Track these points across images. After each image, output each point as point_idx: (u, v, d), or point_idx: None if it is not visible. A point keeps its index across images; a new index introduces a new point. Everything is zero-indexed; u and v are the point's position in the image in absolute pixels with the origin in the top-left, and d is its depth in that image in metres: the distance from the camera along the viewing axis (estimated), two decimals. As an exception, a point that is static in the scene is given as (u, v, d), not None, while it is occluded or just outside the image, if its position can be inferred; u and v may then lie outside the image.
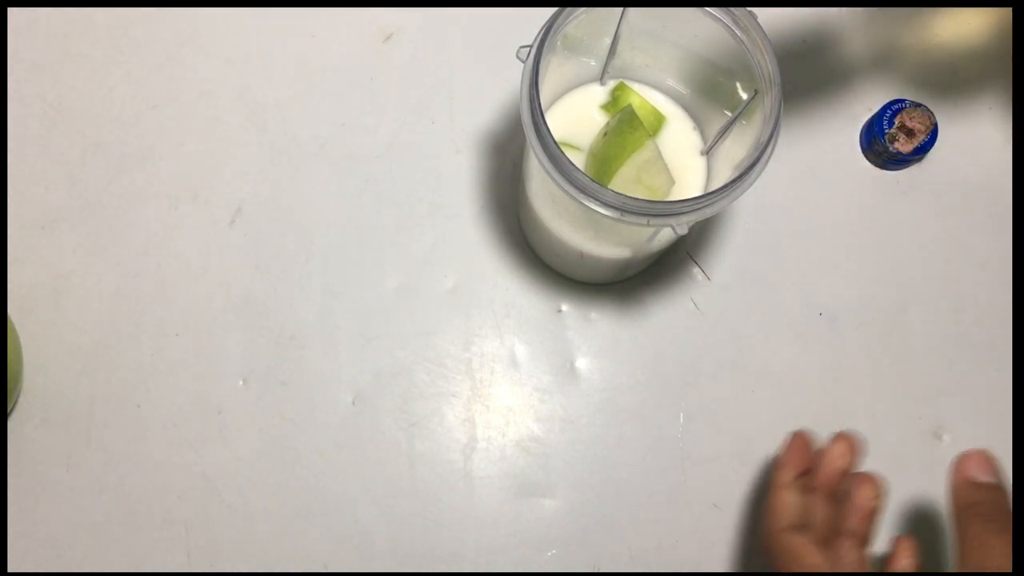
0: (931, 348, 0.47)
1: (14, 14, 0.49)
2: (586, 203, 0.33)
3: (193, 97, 0.48)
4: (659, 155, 0.39)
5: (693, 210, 0.33)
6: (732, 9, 0.35)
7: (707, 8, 0.35)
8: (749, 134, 0.36)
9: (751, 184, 0.33)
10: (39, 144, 0.48)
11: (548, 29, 0.34)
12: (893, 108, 0.47)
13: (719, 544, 0.44)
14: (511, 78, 0.48)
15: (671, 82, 0.41)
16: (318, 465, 0.44)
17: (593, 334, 0.46)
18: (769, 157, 0.34)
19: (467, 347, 0.46)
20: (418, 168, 0.48)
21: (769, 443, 0.45)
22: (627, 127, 0.38)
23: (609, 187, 0.33)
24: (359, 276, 0.46)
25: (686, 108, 0.42)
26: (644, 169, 0.38)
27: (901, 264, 0.47)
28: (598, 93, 0.42)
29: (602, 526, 0.44)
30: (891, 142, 0.46)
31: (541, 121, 0.33)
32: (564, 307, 0.46)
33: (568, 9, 0.35)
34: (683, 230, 0.33)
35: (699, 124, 0.42)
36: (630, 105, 0.40)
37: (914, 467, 0.45)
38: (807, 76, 0.49)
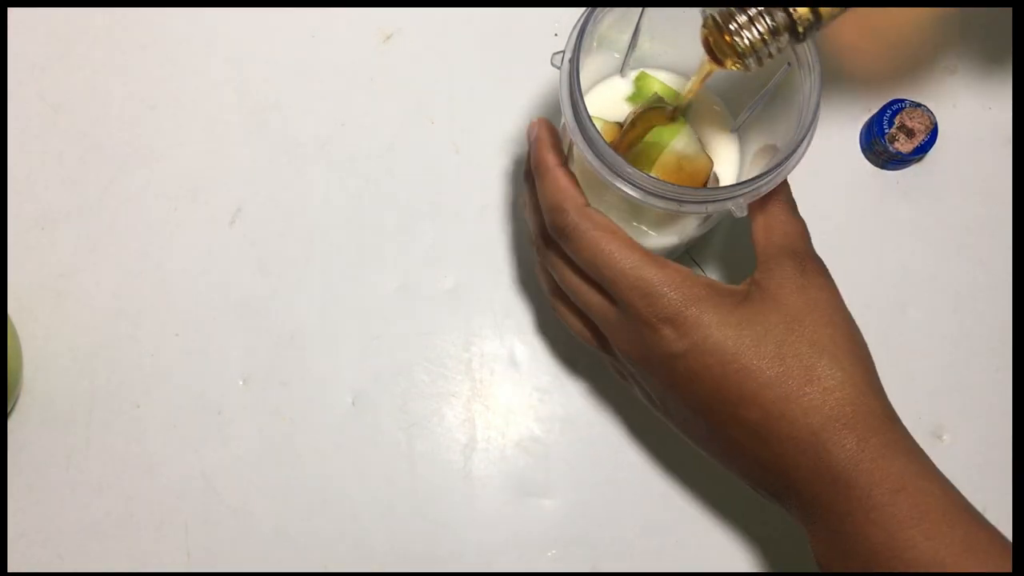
0: (931, 348, 0.46)
1: (14, 14, 0.49)
2: (628, 192, 0.33)
3: (193, 97, 0.48)
4: (695, 139, 0.38)
5: (749, 191, 0.33)
6: None
7: None
8: (778, 104, 0.36)
9: (802, 156, 0.33)
10: (39, 144, 0.48)
11: (582, 32, 0.34)
12: (893, 108, 0.47)
13: (719, 544, 0.44)
14: (511, 78, 0.48)
15: (691, 63, 0.40)
16: (318, 465, 0.44)
17: (593, 334, 0.46)
18: (814, 132, 0.34)
19: (467, 347, 0.46)
20: (418, 168, 0.48)
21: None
22: (659, 116, 0.38)
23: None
24: (359, 276, 0.46)
25: (708, 87, 0.41)
26: (683, 155, 0.38)
27: (901, 264, 0.47)
28: (621, 85, 0.41)
29: (602, 526, 0.44)
30: (891, 142, 0.46)
31: (598, 138, 0.32)
32: (564, 307, 0.46)
33: (600, 9, 0.34)
34: (742, 212, 0.33)
35: (723, 100, 0.41)
36: (656, 93, 0.39)
37: (914, 467, 0.45)
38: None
